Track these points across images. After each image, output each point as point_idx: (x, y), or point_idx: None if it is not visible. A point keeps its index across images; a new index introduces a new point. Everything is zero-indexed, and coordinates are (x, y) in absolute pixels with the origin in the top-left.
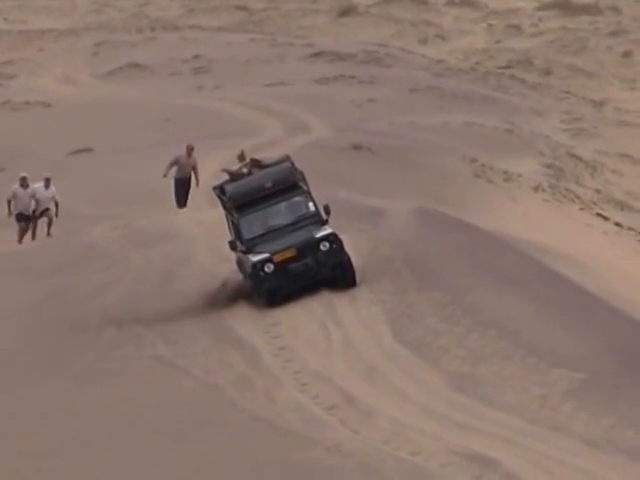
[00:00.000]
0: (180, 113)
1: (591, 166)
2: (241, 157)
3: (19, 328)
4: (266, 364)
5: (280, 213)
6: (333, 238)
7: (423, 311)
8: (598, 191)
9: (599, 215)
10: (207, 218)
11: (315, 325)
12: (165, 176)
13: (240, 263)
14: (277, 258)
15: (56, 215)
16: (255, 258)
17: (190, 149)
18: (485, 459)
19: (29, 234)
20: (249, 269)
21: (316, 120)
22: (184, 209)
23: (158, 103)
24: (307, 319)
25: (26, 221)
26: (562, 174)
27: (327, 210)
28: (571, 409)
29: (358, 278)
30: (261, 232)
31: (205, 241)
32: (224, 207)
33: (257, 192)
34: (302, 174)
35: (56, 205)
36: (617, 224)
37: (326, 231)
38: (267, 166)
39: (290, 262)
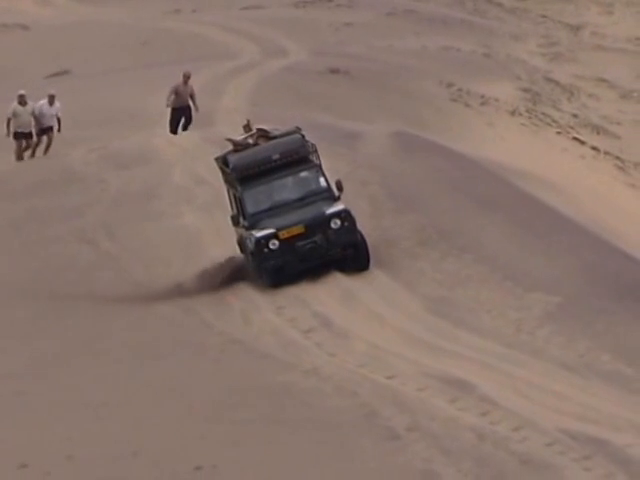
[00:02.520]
0: (157, 36)
1: (568, 90)
2: (247, 127)
3: None
4: (243, 287)
5: (288, 187)
6: (345, 215)
7: (400, 235)
8: (575, 115)
9: (576, 139)
10: (184, 141)
11: None
12: (168, 106)
13: (242, 241)
14: (283, 234)
15: (59, 130)
16: (259, 234)
17: (187, 77)
18: (461, 383)
19: (29, 151)
20: (252, 246)
21: (293, 44)
22: (186, 132)
23: (136, 26)
24: None
25: (25, 138)
26: (539, 98)
27: (339, 186)
28: (547, 333)
29: None
30: (266, 207)
31: (182, 164)
32: (226, 180)
33: (263, 164)
34: (314, 146)
35: (58, 121)
36: (594, 148)
37: (338, 207)
38: (275, 137)
39: (297, 239)
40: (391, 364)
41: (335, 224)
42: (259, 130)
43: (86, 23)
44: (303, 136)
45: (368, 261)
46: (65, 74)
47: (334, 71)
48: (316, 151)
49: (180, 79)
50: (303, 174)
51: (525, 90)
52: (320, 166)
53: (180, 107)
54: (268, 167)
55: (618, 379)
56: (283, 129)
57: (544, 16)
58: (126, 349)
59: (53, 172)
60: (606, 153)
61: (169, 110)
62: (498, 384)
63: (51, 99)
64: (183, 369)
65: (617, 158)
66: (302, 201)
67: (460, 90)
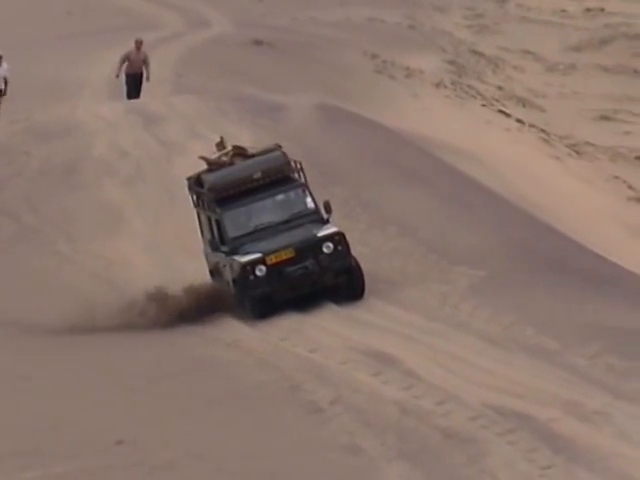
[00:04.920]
0: (81, 6)
1: (493, 63)
2: (220, 145)
3: None
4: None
5: (271, 209)
6: (338, 238)
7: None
8: (500, 88)
9: (501, 112)
10: (107, 112)
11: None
12: (117, 76)
13: (217, 270)
14: (271, 259)
15: (5, 93)
16: (244, 259)
17: (139, 43)
18: (384, 356)
19: None
20: (235, 273)
21: (217, 15)
22: (136, 100)
23: None
24: None
25: None
26: (464, 70)
27: (328, 208)
28: (471, 307)
29: None
30: (249, 230)
31: (105, 135)
32: (197, 202)
33: (244, 183)
34: (299, 164)
35: (5, 83)
36: (519, 121)
37: (330, 230)
38: (252, 155)
39: (286, 265)
40: (314, 337)
41: (327, 248)
42: (235, 147)
43: None
44: (284, 153)
45: (363, 289)
46: None
47: (258, 43)
48: (301, 169)
49: (132, 46)
50: (288, 194)
51: (450, 62)
52: (306, 185)
53: (132, 73)
54: (249, 187)
55: (543, 353)
56: (261, 146)
57: None
58: (47, 325)
59: None
60: (531, 126)
61: (123, 78)
62: (422, 358)
63: None
64: (106, 344)
65: (542, 131)
66: (288, 223)
67: (385, 62)
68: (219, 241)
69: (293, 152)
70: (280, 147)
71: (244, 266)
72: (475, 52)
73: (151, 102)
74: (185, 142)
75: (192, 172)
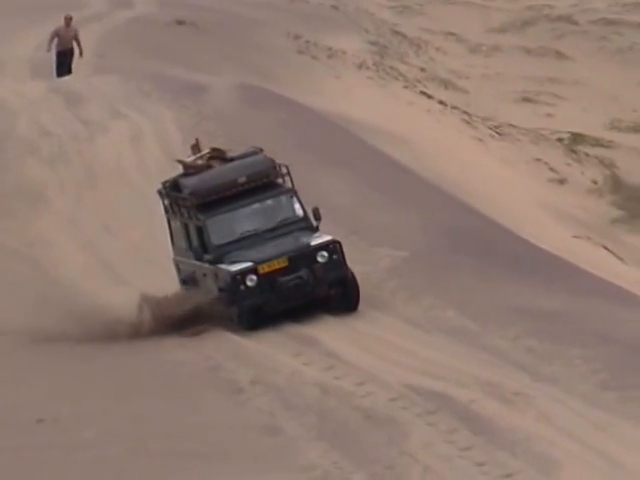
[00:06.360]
0: None
1: (415, 44)
2: (195, 147)
3: None
4: None
5: (258, 215)
6: (333, 247)
7: None
8: (422, 69)
9: (423, 93)
10: (28, 91)
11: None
12: (49, 51)
13: (193, 279)
14: (263, 269)
15: None
16: (234, 268)
17: (68, 20)
18: (305, 338)
19: None
20: (223, 282)
21: None
22: (67, 77)
23: None
24: (127, 189)
25: None
26: (386, 52)
27: (317, 215)
28: (392, 287)
29: None
30: (234, 238)
31: (27, 114)
32: (171, 208)
33: (228, 188)
34: (286, 168)
35: None
36: (441, 102)
37: (325, 238)
38: (232, 159)
39: (279, 274)
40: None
41: (322, 257)
42: (213, 150)
43: None
44: (268, 157)
45: (357, 301)
46: None
47: (180, 22)
48: (288, 174)
49: (61, 22)
50: (275, 200)
51: (372, 43)
52: (295, 191)
53: (63, 50)
54: (234, 192)
55: (463, 334)
56: (241, 150)
57: None
58: None
59: None
60: (453, 107)
61: (54, 54)
62: (342, 339)
63: None
64: (26, 324)
65: (464, 112)
66: (275, 231)
67: (307, 42)
68: (200, 249)
69: (215, 131)
70: (261, 150)
71: (234, 276)
72: (398, 33)
73: (73, 81)
74: (107, 122)
75: (113, 152)
